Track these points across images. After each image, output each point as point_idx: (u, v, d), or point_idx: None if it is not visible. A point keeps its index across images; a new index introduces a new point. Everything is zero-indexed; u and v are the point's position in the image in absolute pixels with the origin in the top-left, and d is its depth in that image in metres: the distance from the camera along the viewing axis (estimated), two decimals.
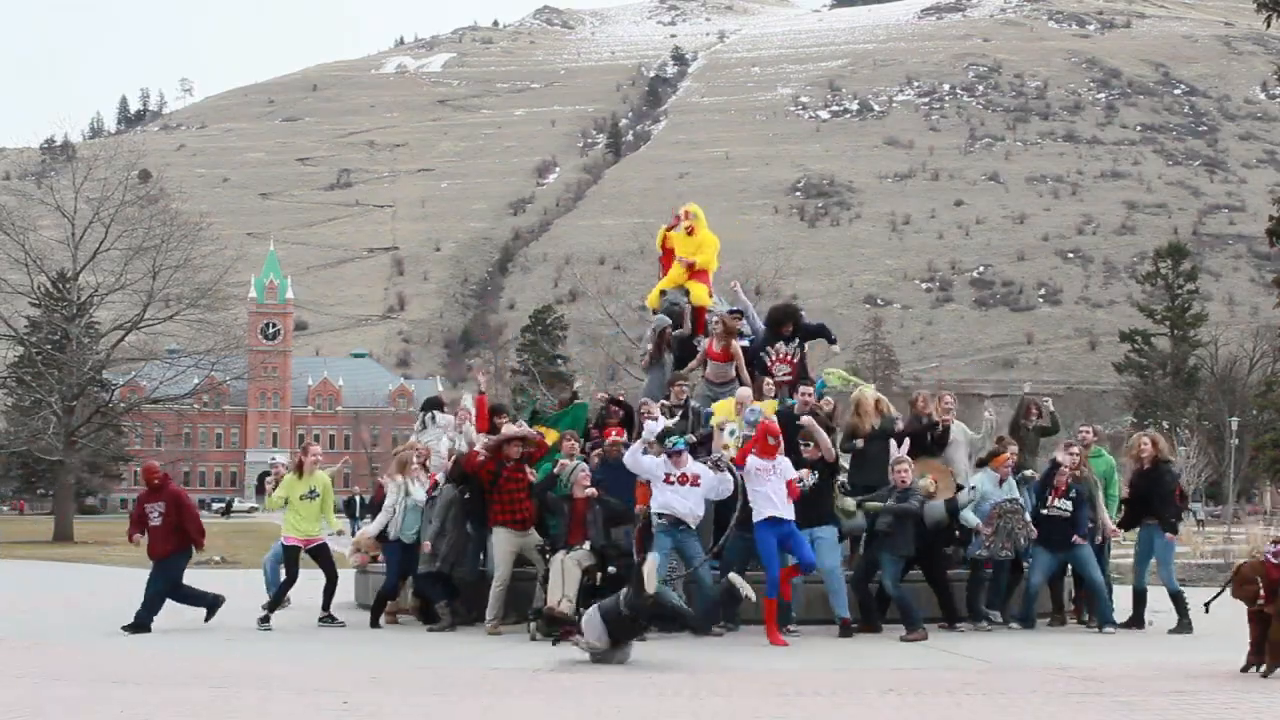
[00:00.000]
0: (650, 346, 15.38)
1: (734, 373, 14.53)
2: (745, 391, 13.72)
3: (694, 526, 12.08)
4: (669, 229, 16.21)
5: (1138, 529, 13.70)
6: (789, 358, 14.89)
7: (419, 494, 13.57)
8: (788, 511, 11.83)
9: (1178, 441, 51.79)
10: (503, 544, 12.73)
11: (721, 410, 13.64)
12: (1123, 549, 16.43)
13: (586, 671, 9.90)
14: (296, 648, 11.91)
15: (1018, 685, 9.20)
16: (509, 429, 13.46)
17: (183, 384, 53.24)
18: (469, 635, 12.66)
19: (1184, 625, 12.97)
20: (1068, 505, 12.99)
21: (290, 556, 13.84)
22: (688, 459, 12.04)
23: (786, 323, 15.13)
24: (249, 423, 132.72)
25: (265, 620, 13.48)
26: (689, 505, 11.97)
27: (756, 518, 11.85)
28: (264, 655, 11.34)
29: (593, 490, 12.66)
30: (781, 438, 12.07)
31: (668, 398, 14.21)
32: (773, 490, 11.82)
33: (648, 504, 12.74)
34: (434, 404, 15.80)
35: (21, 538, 42.70)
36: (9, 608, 16.67)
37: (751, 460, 11.89)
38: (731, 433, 13.12)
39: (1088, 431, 14.78)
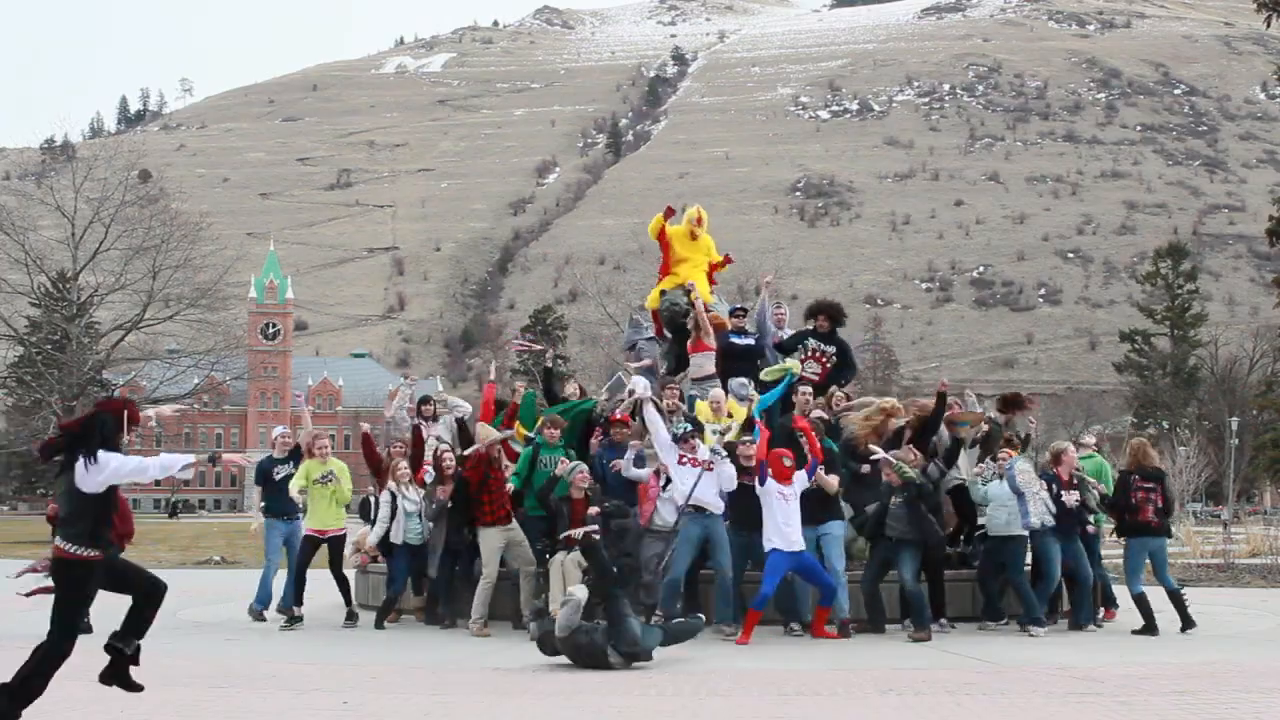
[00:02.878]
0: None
1: (711, 366, 14.47)
2: (717, 393, 13.65)
3: (718, 513, 12.04)
4: (665, 218, 16.05)
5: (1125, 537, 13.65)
6: (818, 355, 14.85)
7: (409, 504, 13.45)
8: (799, 541, 11.75)
9: (1177, 441, 51.81)
10: (491, 541, 12.64)
11: (700, 413, 13.53)
12: (1111, 549, 16.34)
13: (586, 672, 9.89)
14: (296, 648, 11.91)
15: (1018, 685, 9.20)
16: (487, 433, 13.21)
17: (183, 384, 53.20)
18: (469, 635, 12.64)
19: (1187, 622, 13.00)
20: (1075, 495, 12.97)
21: (305, 547, 13.74)
22: (697, 444, 12.08)
23: (820, 315, 15.03)
24: (249, 423, 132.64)
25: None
26: (711, 492, 11.99)
27: (766, 544, 11.78)
28: (264, 655, 11.34)
29: (591, 529, 12.20)
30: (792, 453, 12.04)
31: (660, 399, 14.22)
32: (784, 520, 11.70)
33: (649, 508, 12.68)
34: (423, 400, 15.75)
35: (21, 538, 42.68)
36: (10, 608, 16.65)
37: (773, 485, 11.81)
38: (714, 431, 13.09)
39: (1091, 439, 14.99)
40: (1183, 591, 13.35)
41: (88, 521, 7.28)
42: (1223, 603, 17.27)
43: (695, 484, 11.97)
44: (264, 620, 13.89)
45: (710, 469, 12.02)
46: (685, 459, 12.05)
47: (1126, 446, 14.05)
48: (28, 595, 12.93)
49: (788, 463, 11.84)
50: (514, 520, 12.81)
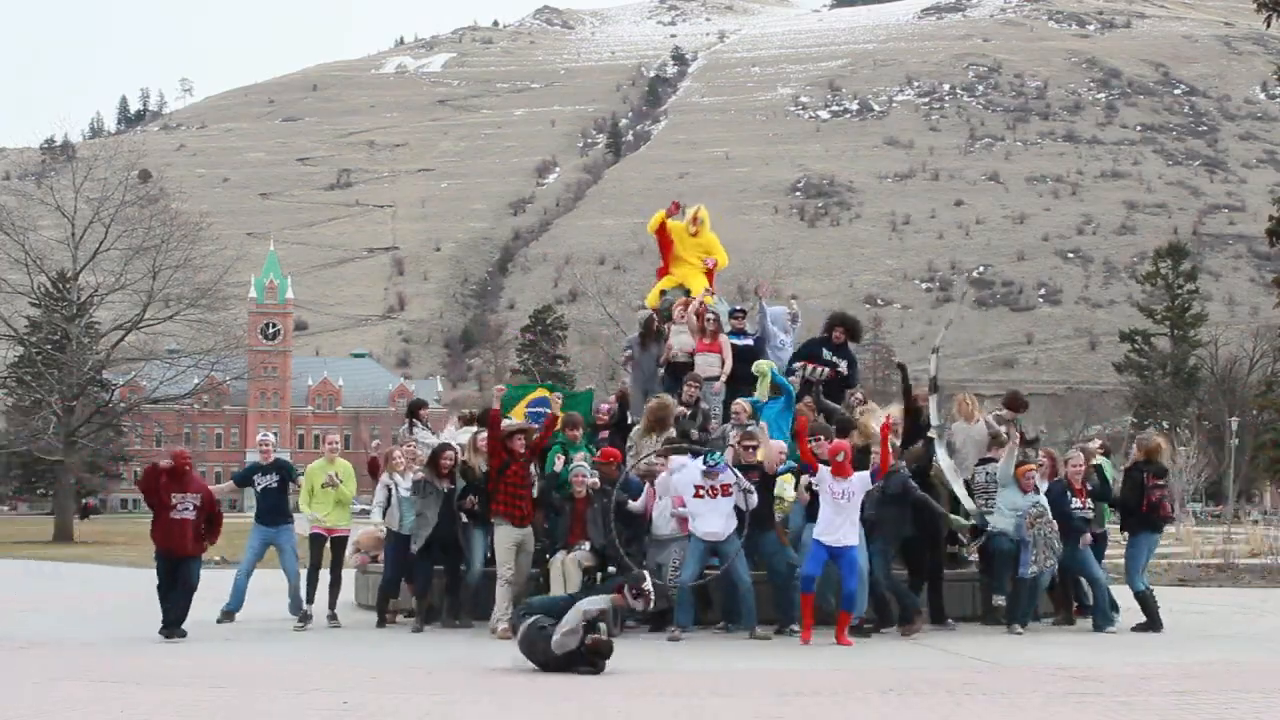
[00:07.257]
0: (638, 336, 15.32)
1: (720, 366, 14.56)
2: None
3: (725, 536, 12.01)
4: (668, 215, 16.07)
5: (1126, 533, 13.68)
6: (831, 367, 15.03)
7: (404, 486, 13.38)
8: (847, 540, 11.63)
9: (1178, 441, 51.80)
10: (505, 539, 12.43)
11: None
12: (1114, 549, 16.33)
13: (587, 672, 9.89)
14: (297, 648, 11.91)
15: (1018, 685, 9.20)
16: (512, 423, 13.27)
17: (183, 384, 53.17)
18: (469, 635, 12.63)
19: (1154, 624, 13.04)
20: (1089, 507, 12.92)
21: (314, 545, 13.76)
22: (723, 472, 11.98)
23: (839, 327, 15.19)
24: (249, 423, 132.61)
25: (304, 619, 13.37)
26: (720, 523, 11.89)
27: (817, 533, 11.74)
28: (264, 655, 11.34)
29: (595, 480, 12.60)
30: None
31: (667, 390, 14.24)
32: (832, 517, 11.58)
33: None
34: (416, 406, 15.73)
35: (21, 538, 42.72)
36: (9, 608, 16.66)
37: (826, 479, 11.75)
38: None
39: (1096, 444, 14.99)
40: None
41: None
42: (1223, 603, 17.27)
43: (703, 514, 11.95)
44: (232, 621, 13.76)
45: (729, 493, 11.92)
46: (703, 490, 11.90)
47: (1139, 441, 13.93)
48: None
49: (842, 457, 11.75)
50: (529, 525, 12.59)
